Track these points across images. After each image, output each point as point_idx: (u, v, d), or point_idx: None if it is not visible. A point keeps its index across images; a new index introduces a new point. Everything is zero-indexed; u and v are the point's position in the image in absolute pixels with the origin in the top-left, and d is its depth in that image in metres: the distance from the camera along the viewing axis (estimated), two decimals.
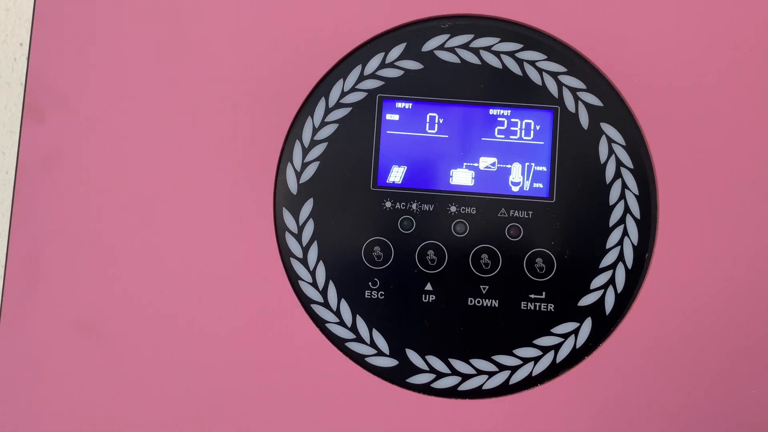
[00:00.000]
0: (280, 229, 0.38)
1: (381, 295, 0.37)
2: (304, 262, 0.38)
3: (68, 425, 0.37)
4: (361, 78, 0.39)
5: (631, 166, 0.38)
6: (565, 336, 0.37)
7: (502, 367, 0.37)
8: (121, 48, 0.39)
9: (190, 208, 0.38)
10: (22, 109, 0.40)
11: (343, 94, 0.39)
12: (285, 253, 0.38)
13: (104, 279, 0.38)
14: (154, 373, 0.37)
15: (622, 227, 0.38)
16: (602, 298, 0.37)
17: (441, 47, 0.39)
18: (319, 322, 0.38)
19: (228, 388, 0.37)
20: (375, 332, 0.37)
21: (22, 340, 0.38)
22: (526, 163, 0.38)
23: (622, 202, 0.38)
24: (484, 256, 0.38)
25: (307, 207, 0.38)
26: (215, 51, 0.39)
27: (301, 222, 0.38)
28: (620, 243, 0.38)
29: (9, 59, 0.54)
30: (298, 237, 0.38)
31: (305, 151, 0.38)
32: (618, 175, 0.38)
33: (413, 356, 0.37)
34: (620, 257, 0.38)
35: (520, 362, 0.37)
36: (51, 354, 0.38)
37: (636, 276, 0.38)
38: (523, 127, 0.39)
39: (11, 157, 0.54)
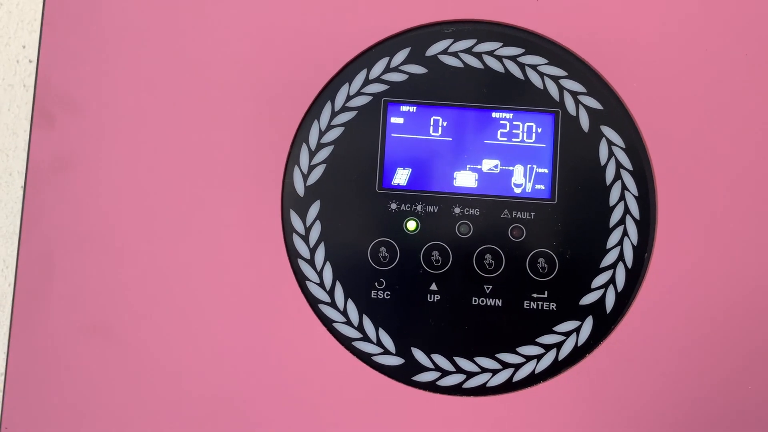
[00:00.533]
0: (287, 230, 0.39)
1: (387, 295, 0.38)
2: (311, 262, 0.39)
3: (80, 425, 0.38)
4: (367, 82, 0.39)
5: (630, 168, 0.39)
6: (567, 334, 0.38)
7: (505, 365, 0.38)
8: (129, 52, 0.39)
9: (199, 210, 0.38)
10: (31, 112, 0.40)
11: (349, 97, 0.39)
12: (293, 254, 0.39)
13: (114, 281, 0.38)
14: (165, 373, 0.38)
15: (622, 228, 0.39)
16: (603, 297, 0.38)
17: (444, 52, 0.40)
18: (327, 322, 0.38)
19: (237, 387, 0.38)
20: (381, 331, 0.38)
21: (34, 342, 0.38)
22: (528, 166, 0.39)
23: (622, 203, 0.39)
24: (488, 256, 0.39)
25: (314, 209, 0.39)
26: (223, 56, 0.39)
27: (308, 223, 0.39)
28: (620, 243, 0.39)
29: (12, 61, 0.55)
30: (305, 238, 0.39)
31: (312, 154, 0.39)
32: (618, 176, 0.39)
33: (419, 355, 0.38)
34: (620, 257, 0.39)
35: (523, 360, 0.38)
36: (62, 355, 0.38)
37: (636, 275, 0.38)
38: (525, 130, 0.39)
39: (15, 159, 0.54)
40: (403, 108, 0.39)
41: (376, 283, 0.38)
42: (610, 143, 0.39)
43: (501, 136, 0.39)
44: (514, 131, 0.39)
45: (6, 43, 0.54)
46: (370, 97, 0.39)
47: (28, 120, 0.54)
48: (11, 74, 0.55)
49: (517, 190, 0.39)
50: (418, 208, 0.39)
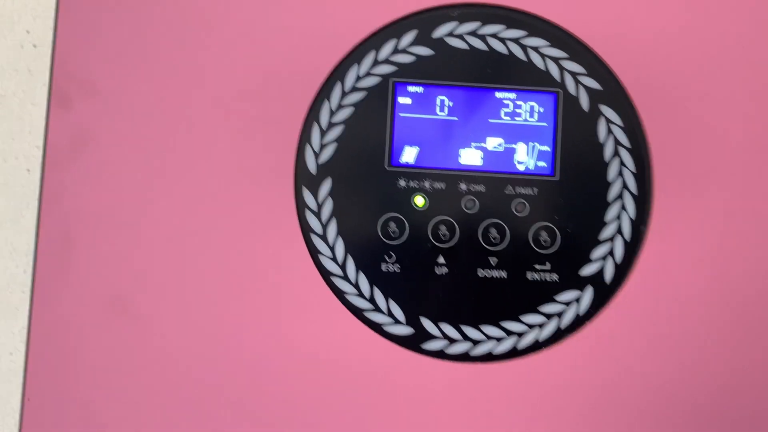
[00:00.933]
0: (300, 207, 0.40)
1: (397, 268, 0.40)
2: (323, 237, 0.40)
3: (101, 399, 0.39)
4: (375, 63, 0.41)
5: (628, 145, 0.41)
6: (569, 303, 0.40)
7: (510, 333, 0.40)
8: (144, 34, 0.41)
9: (215, 188, 0.40)
10: (48, 95, 0.42)
11: (358, 78, 0.41)
12: (306, 230, 0.40)
13: (132, 258, 0.40)
14: (184, 345, 0.39)
15: (620, 202, 0.41)
16: (602, 268, 0.40)
17: (450, 34, 0.41)
18: (339, 294, 0.40)
19: (254, 356, 0.39)
20: (391, 302, 0.40)
21: (55, 319, 0.39)
22: (531, 144, 0.41)
23: (620, 179, 0.41)
24: (493, 230, 0.40)
25: (326, 186, 0.40)
26: (238, 38, 0.40)
27: (320, 200, 0.40)
28: (618, 217, 0.41)
29: (16, 47, 0.55)
30: (317, 214, 0.40)
31: (323, 133, 0.41)
32: (616, 153, 0.41)
33: (428, 324, 0.40)
34: (618, 230, 0.40)
35: (527, 328, 0.40)
36: (83, 331, 0.39)
37: (633, 247, 0.40)
38: (528, 109, 0.41)
39: (20, 142, 0.55)
40: (411, 88, 0.41)
41: (386, 257, 0.40)
42: (608, 122, 0.41)
43: (504, 116, 0.41)
44: (517, 110, 0.41)
45: (10, 29, 0.55)
46: (379, 78, 0.41)
47: (34, 104, 0.55)
48: (16, 59, 0.55)
49: (521, 167, 0.41)
50: (426, 184, 0.40)
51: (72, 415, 0.39)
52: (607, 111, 0.41)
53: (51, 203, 0.40)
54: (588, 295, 0.40)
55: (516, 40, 0.41)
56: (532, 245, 0.40)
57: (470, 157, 0.41)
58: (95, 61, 0.41)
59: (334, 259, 0.40)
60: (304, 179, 0.40)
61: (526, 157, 0.41)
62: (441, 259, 0.40)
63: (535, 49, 0.41)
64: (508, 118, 0.41)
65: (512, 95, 0.41)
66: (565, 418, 0.40)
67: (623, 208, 0.41)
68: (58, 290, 0.40)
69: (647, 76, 0.41)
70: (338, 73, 0.41)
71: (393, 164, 0.41)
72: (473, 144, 0.41)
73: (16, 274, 0.54)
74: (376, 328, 0.40)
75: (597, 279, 0.40)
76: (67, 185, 0.40)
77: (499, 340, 0.40)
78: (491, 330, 0.40)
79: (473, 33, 0.41)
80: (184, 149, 0.40)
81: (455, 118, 0.41)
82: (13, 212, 0.55)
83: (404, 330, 0.40)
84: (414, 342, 0.40)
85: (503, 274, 0.40)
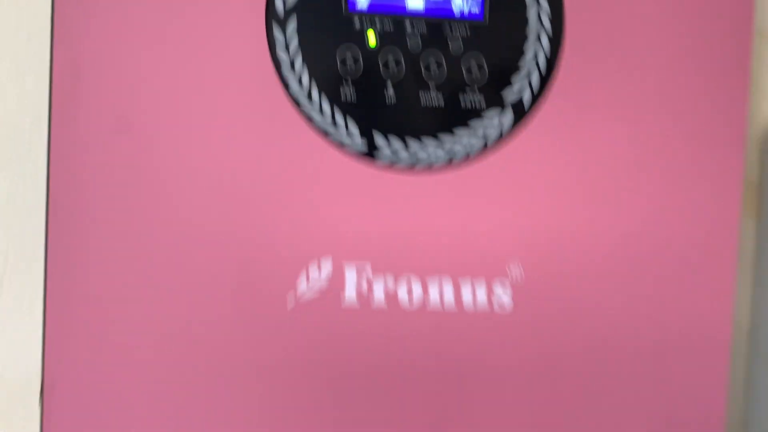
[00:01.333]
0: (271, 43, 0.48)
1: (354, 96, 0.48)
2: (292, 69, 0.48)
3: (115, 212, 0.48)
4: None
5: None
6: (494, 123, 0.49)
7: (446, 149, 0.49)
8: None
9: (198, 27, 0.47)
10: None
11: None
12: (277, 65, 0.48)
13: (133, 88, 0.47)
14: (177, 163, 0.47)
15: (537, 42, 0.49)
16: (520, 95, 0.49)
17: None
18: (306, 117, 0.48)
19: (232, 176, 0.48)
20: (350, 121, 0.48)
21: (71, 143, 0.47)
22: None
23: (538, 21, 0.49)
24: (433, 64, 0.49)
25: (292, 25, 0.48)
26: None
27: (288, 38, 0.48)
28: (535, 55, 0.49)
29: None
30: (286, 50, 0.48)
31: None
32: (535, 1, 0.49)
33: (380, 140, 0.49)
34: (536, 63, 0.49)
35: (460, 143, 0.49)
36: (95, 152, 0.47)
37: (547, 79, 0.49)
38: None
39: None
40: None
41: (344, 83, 0.48)
42: None
43: None
44: None
45: None
46: None
47: None
48: None
49: (457, 12, 0.49)
50: (377, 26, 0.48)
51: (95, 259, 0.47)
52: None
53: (62, 36, 0.47)
54: (509, 116, 0.49)
55: None
56: (465, 76, 0.49)
57: (415, 3, 0.49)
58: None
59: (301, 87, 0.48)
60: (274, 20, 0.48)
61: (462, 3, 0.49)
62: (390, 89, 0.48)
63: None
64: None
65: None
66: (491, 219, 0.49)
67: (540, 45, 0.49)
68: (71, 112, 0.47)
69: None
70: None
71: (350, 10, 0.48)
72: None
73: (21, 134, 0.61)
74: (338, 146, 0.49)
75: (517, 103, 0.49)
76: (76, 25, 0.47)
77: (437, 154, 0.49)
78: (431, 145, 0.49)
79: None
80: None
81: None
82: (17, 77, 0.61)
83: (360, 146, 0.49)
84: (368, 155, 0.49)
85: (441, 99, 0.49)
